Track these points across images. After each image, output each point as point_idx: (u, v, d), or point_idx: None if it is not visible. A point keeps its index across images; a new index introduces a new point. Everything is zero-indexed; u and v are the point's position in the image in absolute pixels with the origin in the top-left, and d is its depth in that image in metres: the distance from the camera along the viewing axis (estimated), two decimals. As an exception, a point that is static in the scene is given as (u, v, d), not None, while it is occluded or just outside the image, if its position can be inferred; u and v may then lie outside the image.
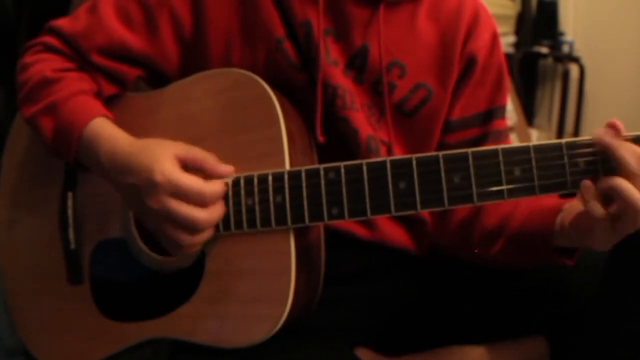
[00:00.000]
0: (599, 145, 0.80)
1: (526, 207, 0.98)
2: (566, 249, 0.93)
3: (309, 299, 0.94)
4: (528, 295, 1.02)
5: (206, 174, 0.88)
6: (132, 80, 1.02)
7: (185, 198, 0.85)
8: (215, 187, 0.87)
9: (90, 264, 1.01)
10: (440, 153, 0.84)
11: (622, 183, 0.78)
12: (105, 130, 0.94)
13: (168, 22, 0.98)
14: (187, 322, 0.93)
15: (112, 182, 0.92)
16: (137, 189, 0.87)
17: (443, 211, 1.07)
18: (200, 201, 0.86)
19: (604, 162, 0.81)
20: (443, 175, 0.83)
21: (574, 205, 0.90)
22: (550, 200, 0.95)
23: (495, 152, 0.82)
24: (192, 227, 0.86)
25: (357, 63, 0.99)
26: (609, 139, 0.80)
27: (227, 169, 0.90)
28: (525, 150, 0.82)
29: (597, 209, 0.80)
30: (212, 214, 0.87)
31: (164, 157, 0.87)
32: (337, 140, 0.98)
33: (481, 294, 1.05)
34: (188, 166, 0.88)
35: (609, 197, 0.80)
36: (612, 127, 0.81)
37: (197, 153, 0.89)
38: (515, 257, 0.99)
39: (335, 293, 0.98)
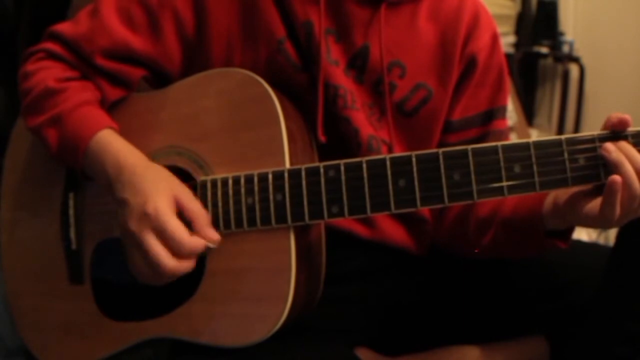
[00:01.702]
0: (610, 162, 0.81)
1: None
2: (558, 232, 0.92)
3: (310, 298, 0.94)
4: (528, 295, 1.02)
5: (194, 230, 0.88)
6: (137, 81, 1.02)
7: (164, 239, 0.85)
8: (196, 243, 0.86)
9: (91, 264, 1.01)
10: (440, 150, 0.84)
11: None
12: (112, 143, 0.94)
13: (171, 22, 0.98)
14: (188, 322, 0.93)
15: (111, 193, 0.92)
16: (127, 206, 0.87)
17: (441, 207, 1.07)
18: (176, 250, 0.85)
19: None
20: (443, 172, 0.83)
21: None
22: None
23: (495, 148, 0.82)
24: (156, 269, 0.85)
25: (357, 63, 0.99)
26: (615, 155, 0.81)
27: (214, 235, 0.89)
28: (525, 147, 0.82)
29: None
30: (179, 267, 0.86)
31: (163, 193, 0.87)
32: (338, 140, 0.98)
33: (481, 294, 1.05)
34: (181, 214, 0.88)
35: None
36: (620, 122, 0.82)
37: (195, 207, 0.89)
38: (508, 244, 0.98)
39: (335, 293, 0.99)
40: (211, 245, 0.88)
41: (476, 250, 1.03)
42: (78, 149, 0.94)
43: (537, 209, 0.92)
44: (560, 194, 0.90)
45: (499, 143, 0.82)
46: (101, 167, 0.92)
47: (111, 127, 0.96)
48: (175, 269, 0.85)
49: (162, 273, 0.85)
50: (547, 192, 0.91)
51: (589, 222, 0.86)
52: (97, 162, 0.93)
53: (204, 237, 0.88)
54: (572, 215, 0.87)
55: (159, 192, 0.87)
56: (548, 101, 3.66)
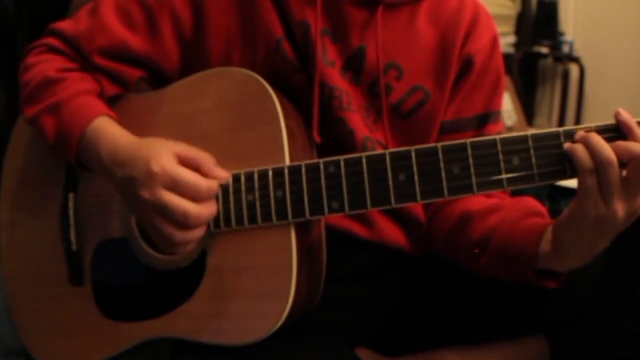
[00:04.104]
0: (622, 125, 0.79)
1: (511, 225, 0.94)
2: (551, 272, 0.90)
3: (311, 297, 0.94)
4: (528, 295, 1.01)
5: (202, 175, 0.88)
6: (134, 81, 1.02)
7: (180, 191, 0.85)
8: (211, 183, 0.87)
9: (91, 265, 1.01)
10: (439, 144, 0.84)
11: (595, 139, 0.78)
12: (107, 129, 0.94)
13: (169, 22, 0.98)
14: (189, 321, 0.93)
15: (110, 178, 0.92)
16: (133, 181, 0.87)
17: (433, 215, 1.07)
18: (195, 195, 0.86)
19: None
20: (442, 166, 0.83)
21: (560, 221, 0.86)
22: (539, 220, 0.93)
23: (494, 141, 0.82)
24: (183, 220, 0.85)
25: (354, 64, 0.99)
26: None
27: (223, 173, 0.90)
28: (523, 140, 0.81)
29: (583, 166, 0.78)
30: (204, 209, 0.87)
31: (163, 152, 0.87)
32: (334, 141, 0.98)
33: (480, 294, 1.04)
34: (186, 164, 0.88)
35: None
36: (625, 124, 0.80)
37: (195, 152, 0.89)
38: (499, 272, 0.96)
39: (335, 292, 0.98)
40: (224, 182, 0.89)
41: (476, 250, 1.03)
42: (74, 136, 0.94)
43: (531, 249, 0.88)
44: (557, 228, 0.86)
45: (498, 136, 0.82)
46: (96, 153, 0.92)
47: (108, 115, 0.96)
48: (199, 214, 0.86)
49: (191, 222, 0.86)
50: (543, 231, 0.88)
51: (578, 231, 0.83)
52: (93, 148, 0.93)
53: (215, 178, 0.88)
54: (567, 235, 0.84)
55: (158, 152, 0.87)
56: (548, 101, 3.67)
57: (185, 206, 0.85)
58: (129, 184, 0.88)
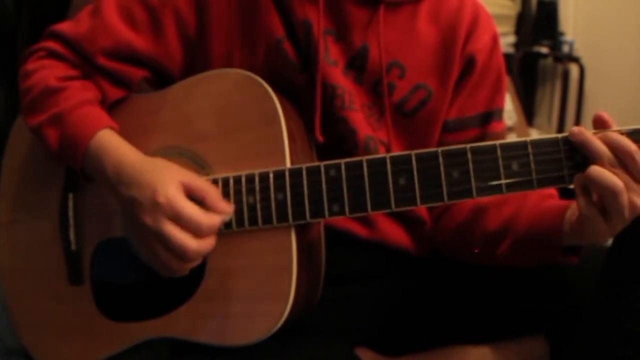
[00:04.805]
0: (576, 144, 0.81)
1: (531, 210, 0.97)
2: (571, 248, 0.92)
3: (310, 297, 0.94)
4: (528, 295, 1.01)
5: (206, 206, 0.88)
6: (137, 81, 1.02)
7: (181, 224, 0.85)
8: (213, 220, 0.87)
9: (91, 265, 1.01)
10: (440, 149, 0.85)
11: (594, 170, 0.79)
12: (112, 142, 0.94)
13: (172, 22, 0.98)
14: (188, 321, 0.93)
15: (115, 194, 0.92)
16: (137, 203, 0.87)
17: (441, 214, 1.07)
18: (196, 231, 0.86)
19: None
20: (442, 170, 0.84)
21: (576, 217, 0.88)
22: (556, 201, 0.95)
23: (494, 147, 0.83)
24: (181, 254, 0.86)
25: (357, 63, 1.00)
26: (580, 134, 0.81)
27: (227, 207, 0.90)
28: (522, 145, 0.82)
29: (581, 202, 0.81)
30: (203, 246, 0.87)
31: (170, 180, 0.87)
32: (336, 140, 0.98)
33: (481, 294, 1.05)
34: (191, 195, 0.88)
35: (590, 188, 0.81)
36: (599, 120, 0.83)
37: (202, 184, 0.89)
38: (521, 257, 0.98)
39: (335, 292, 0.98)
40: (227, 217, 0.89)
41: (476, 250, 1.03)
42: (78, 149, 0.94)
43: (556, 228, 0.91)
44: (572, 213, 0.89)
45: (497, 141, 0.83)
46: (100, 168, 0.92)
47: (111, 127, 0.96)
48: (199, 249, 0.86)
49: (189, 257, 0.86)
50: (564, 211, 0.91)
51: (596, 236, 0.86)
52: (97, 162, 0.93)
53: (218, 211, 0.88)
54: (584, 233, 0.87)
55: (165, 180, 0.87)
56: (548, 101, 3.66)
57: (185, 242, 0.85)
58: (133, 206, 0.88)
